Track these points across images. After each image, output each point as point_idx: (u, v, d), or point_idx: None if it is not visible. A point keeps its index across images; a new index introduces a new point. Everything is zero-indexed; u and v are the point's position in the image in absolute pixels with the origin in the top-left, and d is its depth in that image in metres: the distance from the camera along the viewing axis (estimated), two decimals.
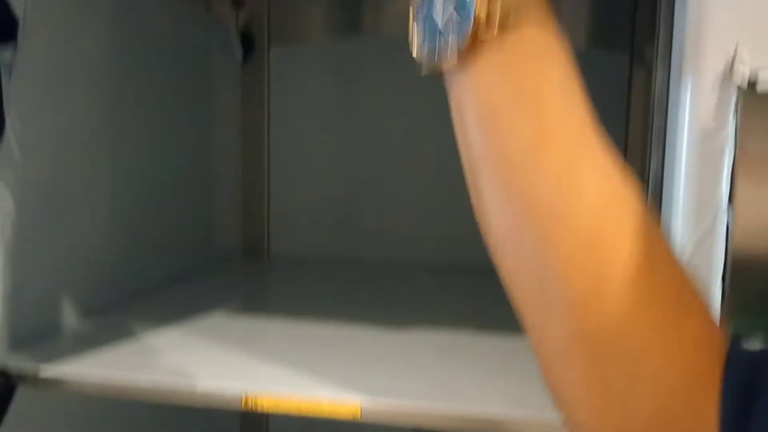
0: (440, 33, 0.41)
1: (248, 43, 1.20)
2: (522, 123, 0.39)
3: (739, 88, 0.44)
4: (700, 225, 0.45)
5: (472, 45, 0.39)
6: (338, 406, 0.64)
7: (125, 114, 0.92)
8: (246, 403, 0.66)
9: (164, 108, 1.02)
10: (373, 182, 1.23)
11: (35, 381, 0.70)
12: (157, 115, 1.00)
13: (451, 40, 0.40)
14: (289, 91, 1.23)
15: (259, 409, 0.66)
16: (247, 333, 0.86)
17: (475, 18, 0.39)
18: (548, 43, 0.40)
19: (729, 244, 0.44)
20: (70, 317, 0.83)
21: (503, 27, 0.39)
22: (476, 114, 0.41)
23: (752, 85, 0.43)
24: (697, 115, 0.45)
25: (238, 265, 1.25)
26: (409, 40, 0.42)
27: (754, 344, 0.39)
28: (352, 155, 1.24)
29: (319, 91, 1.23)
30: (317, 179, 1.25)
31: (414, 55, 0.42)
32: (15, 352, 0.73)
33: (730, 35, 0.44)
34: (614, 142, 0.40)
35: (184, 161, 1.10)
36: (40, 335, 0.78)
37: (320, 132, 1.24)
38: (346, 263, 1.21)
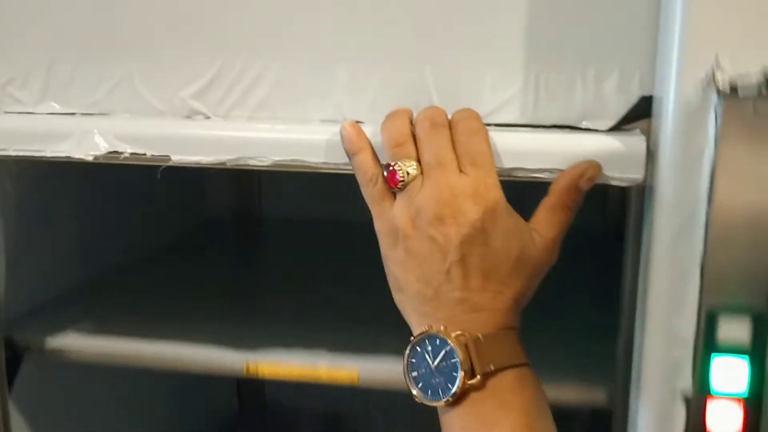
0: (432, 380, 0.49)
1: None
2: None
3: (720, 92, 0.47)
4: (679, 217, 0.49)
5: (459, 392, 0.47)
6: (336, 372, 0.67)
7: None
8: (248, 370, 0.69)
9: None
10: None
11: (41, 352, 0.74)
12: None
13: (441, 388, 0.48)
14: None
15: (260, 376, 0.69)
16: (244, 300, 0.90)
17: (461, 370, 0.47)
18: (523, 385, 0.48)
19: (708, 237, 0.48)
20: (69, 290, 0.87)
21: (485, 374, 0.47)
22: None
23: (733, 89, 0.46)
24: (681, 115, 0.48)
25: (229, 229, 1.27)
26: (405, 379, 0.50)
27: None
28: None
29: None
30: None
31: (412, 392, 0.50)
32: (20, 324, 0.77)
33: (712, 41, 0.47)
34: None
35: None
36: (43, 308, 0.82)
37: None
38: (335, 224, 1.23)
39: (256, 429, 1.35)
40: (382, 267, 0.53)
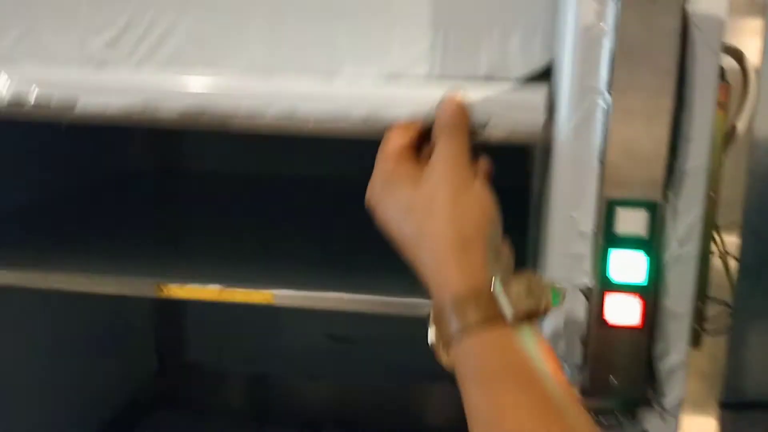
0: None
1: None
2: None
3: None
4: (581, 106, 0.50)
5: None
6: (251, 294, 0.66)
7: None
8: (159, 291, 0.67)
9: None
10: None
11: None
12: None
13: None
14: None
15: (173, 296, 0.67)
16: (161, 235, 0.87)
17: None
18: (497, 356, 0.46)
19: (608, 126, 0.49)
20: None
21: (449, 350, 0.47)
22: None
23: None
24: (581, 9, 0.50)
25: (151, 180, 1.24)
26: None
27: None
28: None
29: None
30: None
31: None
32: None
33: None
34: None
35: None
36: None
37: None
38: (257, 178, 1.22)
39: (177, 390, 1.34)
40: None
